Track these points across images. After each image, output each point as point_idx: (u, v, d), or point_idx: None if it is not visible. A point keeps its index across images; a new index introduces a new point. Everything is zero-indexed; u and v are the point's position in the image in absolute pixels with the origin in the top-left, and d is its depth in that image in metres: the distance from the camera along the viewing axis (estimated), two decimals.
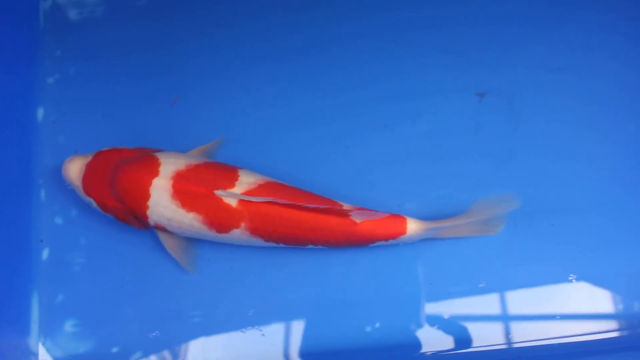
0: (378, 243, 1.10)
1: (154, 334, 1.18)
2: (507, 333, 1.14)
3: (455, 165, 1.22)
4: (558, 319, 1.14)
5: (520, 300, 1.15)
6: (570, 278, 1.15)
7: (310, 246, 1.10)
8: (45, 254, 1.22)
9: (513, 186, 1.20)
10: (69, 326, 1.19)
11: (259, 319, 1.17)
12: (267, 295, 1.18)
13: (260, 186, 1.07)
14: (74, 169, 1.13)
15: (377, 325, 1.15)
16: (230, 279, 1.19)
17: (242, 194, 1.05)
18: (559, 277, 1.15)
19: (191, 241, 1.18)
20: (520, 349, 1.13)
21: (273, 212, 1.05)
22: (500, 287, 1.15)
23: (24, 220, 1.22)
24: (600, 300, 1.14)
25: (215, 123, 1.26)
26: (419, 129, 1.24)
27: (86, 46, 1.33)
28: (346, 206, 1.09)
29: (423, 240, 1.14)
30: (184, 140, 1.24)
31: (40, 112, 1.29)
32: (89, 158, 1.13)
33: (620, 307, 1.14)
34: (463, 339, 1.14)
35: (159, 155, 1.10)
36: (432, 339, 1.14)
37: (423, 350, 1.15)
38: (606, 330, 1.14)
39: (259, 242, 1.10)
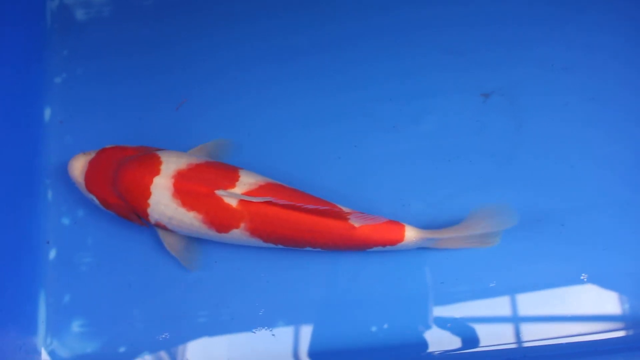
0: (375, 248, 1.10)
1: (161, 334, 1.18)
2: (515, 333, 1.14)
3: (460, 166, 1.22)
4: (567, 318, 1.14)
5: (530, 300, 1.15)
6: (582, 277, 1.15)
7: (309, 248, 1.11)
8: (52, 254, 1.22)
9: (517, 186, 1.20)
10: (75, 326, 1.19)
11: (268, 320, 1.17)
12: (275, 296, 1.18)
13: (261, 187, 1.08)
14: (77, 166, 1.13)
15: (386, 325, 1.15)
16: (237, 279, 1.19)
17: (242, 194, 1.05)
18: (570, 277, 1.15)
19: (191, 240, 1.18)
20: (527, 349, 1.13)
21: (272, 213, 1.05)
22: (511, 287, 1.16)
23: (30, 220, 1.22)
24: (608, 299, 1.14)
25: (220, 123, 1.26)
26: (423, 129, 1.24)
27: (93, 46, 1.33)
28: (345, 209, 1.09)
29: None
30: (189, 140, 1.24)
31: (47, 112, 1.29)
32: (92, 155, 1.14)
33: (627, 306, 1.14)
34: (470, 339, 1.15)
35: (160, 153, 1.11)
36: (440, 339, 1.15)
37: (431, 349, 1.15)
38: (615, 329, 1.14)
39: (258, 242, 1.10)
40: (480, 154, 1.22)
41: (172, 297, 1.19)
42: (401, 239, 1.09)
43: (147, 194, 1.07)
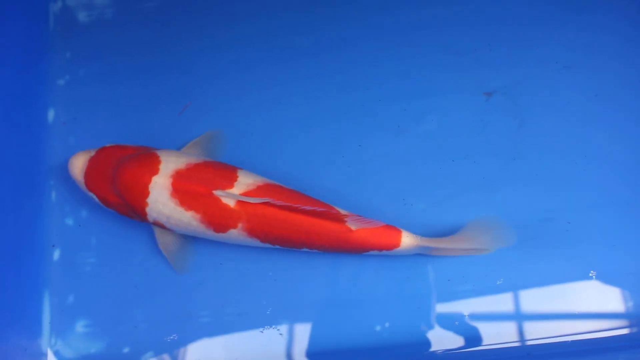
0: (371, 252, 1.10)
1: (165, 334, 1.18)
2: (519, 331, 1.14)
3: (462, 165, 1.22)
4: (572, 316, 1.14)
5: (536, 298, 1.15)
6: (590, 274, 1.15)
7: (305, 249, 1.11)
8: (56, 254, 1.23)
9: (520, 185, 1.20)
10: (80, 327, 1.20)
11: (272, 319, 1.17)
12: (279, 296, 1.18)
13: (259, 187, 1.08)
14: (77, 164, 1.14)
15: (389, 324, 1.15)
16: (240, 280, 1.19)
17: (240, 194, 1.06)
18: (577, 275, 1.15)
19: (186, 242, 1.19)
20: (531, 347, 1.13)
21: (270, 214, 1.06)
22: (518, 284, 1.16)
23: (34, 221, 1.22)
24: (613, 297, 1.14)
25: (222, 123, 1.27)
26: (425, 128, 1.24)
27: (96, 48, 1.33)
28: (343, 212, 1.09)
29: (441, 236, 1.14)
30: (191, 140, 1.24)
31: (50, 114, 1.29)
32: (92, 153, 1.14)
33: (632, 304, 1.14)
34: (475, 337, 1.14)
35: (159, 153, 1.11)
36: (444, 337, 1.14)
37: (435, 348, 1.14)
38: (620, 327, 1.13)
39: (255, 242, 1.10)
40: (482, 153, 1.22)
41: (175, 298, 1.19)
42: (397, 245, 1.09)
43: (145, 193, 1.07)
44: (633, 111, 1.23)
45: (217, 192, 1.05)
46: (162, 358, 1.18)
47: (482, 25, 1.29)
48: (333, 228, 1.06)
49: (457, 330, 1.15)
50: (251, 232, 1.08)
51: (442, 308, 1.15)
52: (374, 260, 1.17)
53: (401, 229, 1.09)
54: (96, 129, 1.28)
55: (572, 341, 1.12)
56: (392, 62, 1.28)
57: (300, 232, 1.07)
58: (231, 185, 1.07)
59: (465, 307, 1.15)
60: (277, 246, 1.11)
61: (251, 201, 1.05)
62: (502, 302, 1.15)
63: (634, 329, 1.13)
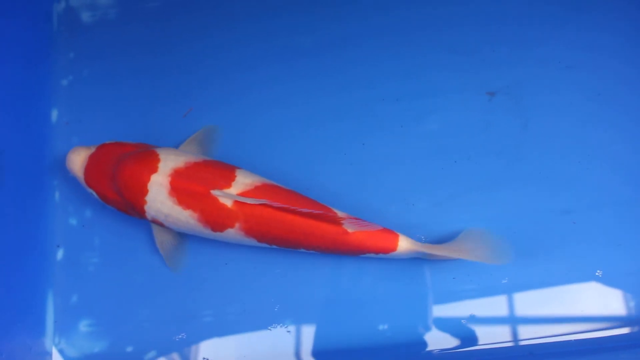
0: (368, 255, 1.10)
1: (168, 333, 1.18)
2: (523, 330, 1.13)
3: (465, 165, 1.21)
4: (579, 316, 1.14)
5: (541, 297, 1.14)
6: (597, 274, 1.15)
7: (302, 250, 1.11)
8: (59, 254, 1.23)
9: (523, 185, 1.19)
10: (83, 326, 1.20)
11: (275, 319, 1.17)
12: (281, 296, 1.18)
13: (257, 188, 1.08)
14: (77, 160, 1.15)
15: (392, 323, 1.15)
16: (243, 280, 1.19)
17: (237, 194, 1.06)
18: (582, 275, 1.15)
19: (182, 242, 1.19)
20: (534, 346, 1.13)
21: (267, 215, 1.05)
22: (522, 283, 1.15)
23: (38, 221, 1.23)
24: (618, 297, 1.14)
25: (224, 123, 1.27)
26: (428, 128, 1.24)
27: (99, 48, 1.34)
28: (340, 214, 1.09)
29: (443, 236, 1.15)
30: None
31: (53, 114, 1.30)
32: (92, 150, 1.15)
33: (634, 304, 1.14)
34: (478, 337, 1.14)
35: (159, 151, 1.11)
36: (448, 337, 1.14)
37: (439, 347, 1.14)
38: (624, 326, 1.13)
39: (253, 242, 1.10)
40: (485, 153, 1.22)
41: (179, 297, 1.20)
42: (394, 249, 1.08)
43: (144, 191, 1.08)
44: (636, 111, 1.22)
45: (214, 192, 1.05)
46: (166, 357, 1.18)
47: (485, 25, 1.29)
48: (330, 230, 1.06)
49: (460, 330, 1.14)
50: (248, 232, 1.08)
51: (445, 307, 1.15)
52: (376, 259, 1.16)
53: (399, 233, 1.09)
54: (99, 128, 1.28)
55: (575, 340, 1.12)
56: (394, 62, 1.28)
57: (297, 233, 1.06)
58: (229, 185, 1.07)
59: (468, 306, 1.15)
60: (274, 246, 1.11)
61: (248, 202, 1.05)
62: (505, 301, 1.15)
63: (637, 328, 1.12)
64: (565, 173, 1.19)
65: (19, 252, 1.17)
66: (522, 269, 1.15)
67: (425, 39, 1.29)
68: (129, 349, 1.19)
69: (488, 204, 1.19)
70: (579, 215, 1.17)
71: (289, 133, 1.26)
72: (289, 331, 1.17)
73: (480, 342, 1.14)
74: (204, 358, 1.17)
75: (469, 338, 1.14)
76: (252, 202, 1.05)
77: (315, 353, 1.16)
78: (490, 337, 1.14)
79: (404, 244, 1.08)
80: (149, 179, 1.07)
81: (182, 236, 1.19)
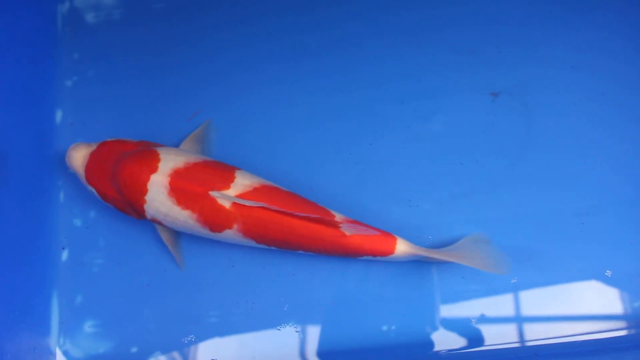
0: (365, 257, 1.10)
1: (172, 334, 1.18)
2: (529, 331, 1.13)
3: (470, 165, 1.21)
4: (587, 316, 1.13)
5: (546, 297, 1.14)
6: (607, 273, 1.14)
7: (301, 251, 1.10)
8: (64, 255, 1.23)
9: (527, 185, 1.19)
10: (88, 327, 1.20)
11: (278, 320, 1.17)
12: (286, 297, 1.18)
13: (256, 189, 1.07)
14: (78, 157, 1.15)
15: (399, 324, 1.15)
16: (249, 281, 1.19)
17: (236, 196, 1.06)
18: (590, 275, 1.15)
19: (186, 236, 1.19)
20: (539, 347, 1.12)
21: (265, 217, 1.05)
22: (532, 283, 1.15)
23: (42, 222, 1.23)
24: (623, 297, 1.14)
25: (228, 123, 1.27)
26: (432, 129, 1.24)
27: (103, 49, 1.34)
28: (338, 217, 1.09)
29: (447, 236, 1.14)
30: None
31: (58, 115, 1.30)
32: (93, 147, 1.15)
33: (638, 304, 1.13)
34: (485, 337, 1.14)
35: (159, 150, 1.11)
36: (451, 337, 1.14)
37: (443, 348, 1.14)
38: (630, 327, 1.12)
39: (251, 243, 1.10)
40: (490, 153, 1.21)
41: (183, 298, 1.20)
42: (392, 252, 1.08)
43: (143, 190, 1.08)
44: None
45: (213, 193, 1.05)
46: (171, 358, 1.18)
47: (489, 25, 1.28)
48: (328, 233, 1.06)
49: (467, 330, 1.14)
50: (246, 233, 1.08)
51: (453, 308, 1.15)
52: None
53: (397, 236, 1.09)
54: (104, 129, 1.28)
55: (581, 341, 1.11)
56: (398, 62, 1.28)
57: (295, 236, 1.06)
58: (228, 187, 1.07)
59: (477, 306, 1.14)
60: (273, 247, 1.11)
61: (246, 204, 1.04)
62: (513, 302, 1.14)
63: None
64: (570, 173, 1.19)
65: (24, 253, 1.17)
66: (530, 269, 1.15)
67: (430, 40, 1.28)
68: (134, 349, 1.19)
69: (493, 205, 1.18)
70: (584, 216, 1.16)
71: (292, 133, 1.25)
72: (298, 331, 1.16)
73: (485, 343, 1.13)
74: (212, 359, 1.16)
75: (474, 339, 1.13)
76: (250, 205, 1.04)
77: (322, 354, 1.15)
78: (498, 337, 1.13)
79: (402, 247, 1.08)
80: (148, 179, 1.07)
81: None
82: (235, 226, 1.07)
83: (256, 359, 1.16)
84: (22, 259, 1.17)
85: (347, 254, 1.09)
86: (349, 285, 1.17)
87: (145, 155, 1.10)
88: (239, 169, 1.12)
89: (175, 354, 1.18)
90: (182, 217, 1.08)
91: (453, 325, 1.14)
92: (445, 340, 1.13)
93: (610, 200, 1.17)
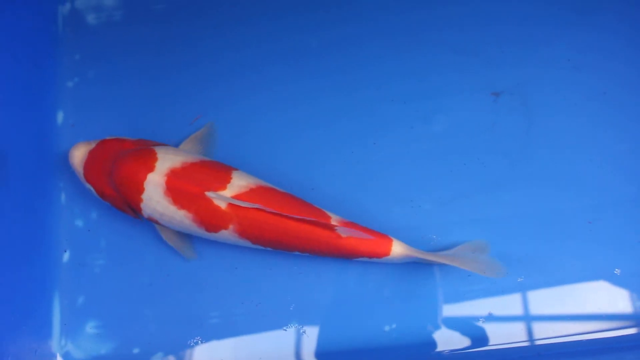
0: (361, 259, 1.10)
1: (174, 335, 1.18)
2: (531, 330, 1.13)
3: (471, 165, 1.21)
4: (594, 315, 1.13)
5: (552, 297, 1.14)
6: (615, 272, 1.14)
7: (297, 252, 1.10)
8: (65, 256, 1.23)
9: (529, 185, 1.19)
10: (90, 328, 1.20)
11: (279, 320, 1.17)
12: (287, 299, 1.17)
13: (252, 190, 1.07)
14: (77, 155, 1.15)
15: (402, 324, 1.15)
16: (251, 283, 1.19)
17: (232, 197, 1.06)
18: (595, 274, 1.14)
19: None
20: (541, 346, 1.12)
21: (261, 218, 1.05)
22: (537, 282, 1.15)
23: (44, 223, 1.23)
24: (628, 297, 1.13)
25: (229, 123, 1.26)
26: (434, 129, 1.24)
27: (105, 50, 1.34)
28: (335, 218, 1.09)
29: (449, 237, 1.14)
30: None
31: (59, 116, 1.30)
32: (92, 145, 1.15)
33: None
34: (488, 337, 1.13)
35: (157, 149, 1.11)
36: (454, 337, 1.14)
37: (446, 348, 1.13)
38: (633, 326, 1.12)
39: (247, 243, 1.10)
40: (491, 153, 1.21)
41: (185, 298, 1.19)
42: (387, 253, 1.08)
43: (140, 189, 1.08)
44: None
45: (209, 194, 1.05)
46: (173, 359, 1.17)
47: (491, 25, 1.28)
48: (323, 234, 1.06)
49: (470, 330, 1.13)
50: (242, 234, 1.08)
51: (458, 307, 1.14)
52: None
53: (392, 238, 1.09)
54: (105, 130, 1.28)
55: (585, 340, 1.11)
56: (398, 62, 1.27)
57: (290, 237, 1.06)
58: (224, 187, 1.07)
59: (481, 306, 1.14)
60: (269, 248, 1.11)
61: (242, 205, 1.04)
62: (518, 301, 1.14)
63: None
64: (572, 172, 1.19)
65: (25, 254, 1.18)
66: (535, 269, 1.14)
67: (431, 40, 1.28)
68: (136, 350, 1.18)
69: (495, 204, 1.18)
70: (587, 215, 1.16)
71: (293, 133, 1.25)
72: (303, 332, 1.16)
73: (489, 343, 1.13)
74: None
75: (476, 339, 1.13)
76: (245, 206, 1.04)
77: (325, 354, 1.15)
78: (502, 337, 1.13)
79: (398, 249, 1.08)
80: (145, 178, 1.07)
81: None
82: (231, 227, 1.07)
83: (257, 359, 1.16)
84: (23, 261, 1.17)
85: (342, 255, 1.09)
86: (350, 285, 1.17)
87: (142, 154, 1.10)
88: (236, 169, 1.12)
89: (177, 355, 1.18)
90: (178, 216, 1.08)
91: (456, 324, 1.13)
92: (448, 340, 1.13)
93: (612, 199, 1.17)
